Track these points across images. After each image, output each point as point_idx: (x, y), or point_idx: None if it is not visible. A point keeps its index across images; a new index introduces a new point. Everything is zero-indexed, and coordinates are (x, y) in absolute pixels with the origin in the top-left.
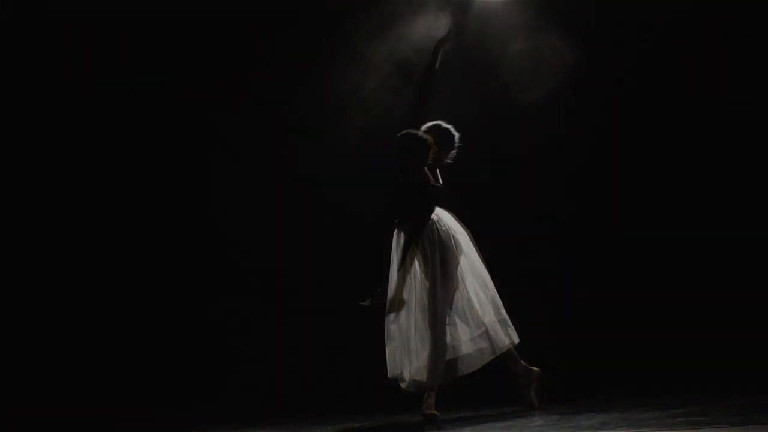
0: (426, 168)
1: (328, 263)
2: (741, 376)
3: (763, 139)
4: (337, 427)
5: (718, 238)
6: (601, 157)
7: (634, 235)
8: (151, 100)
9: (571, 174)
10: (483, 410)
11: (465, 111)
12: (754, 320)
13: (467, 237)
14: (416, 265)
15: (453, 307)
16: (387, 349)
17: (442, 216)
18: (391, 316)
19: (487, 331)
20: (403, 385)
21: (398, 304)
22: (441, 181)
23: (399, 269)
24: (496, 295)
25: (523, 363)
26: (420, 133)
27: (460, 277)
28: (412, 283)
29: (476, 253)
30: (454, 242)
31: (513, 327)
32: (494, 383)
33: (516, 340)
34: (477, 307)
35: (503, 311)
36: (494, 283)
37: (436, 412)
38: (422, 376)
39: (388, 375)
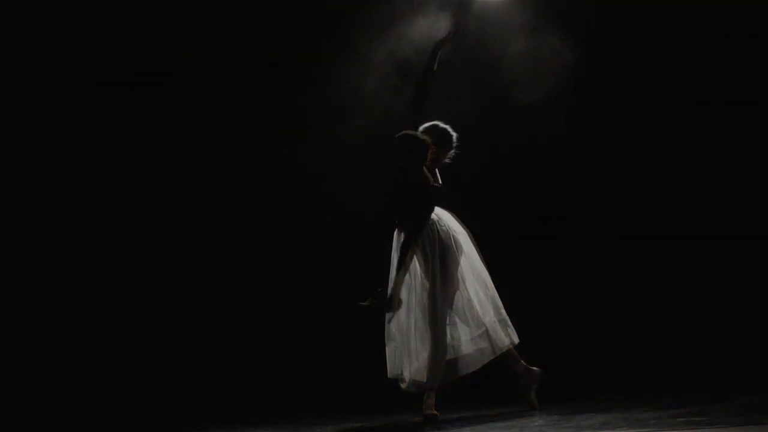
0: (425, 168)
1: (328, 263)
2: (741, 376)
3: (763, 139)
4: (337, 427)
5: (719, 238)
6: (601, 157)
7: (635, 235)
8: (151, 100)
9: (571, 174)
10: (483, 410)
11: (465, 111)
12: (753, 320)
13: (467, 237)
14: (416, 265)
15: (453, 307)
16: (387, 349)
17: (442, 216)
18: (388, 315)
19: (487, 331)
20: (403, 386)
21: (396, 303)
22: (440, 181)
23: (398, 269)
24: (496, 295)
25: (524, 363)
26: (418, 133)
27: (460, 277)
28: (412, 283)
29: (476, 253)
30: (455, 242)
31: (513, 327)
32: (494, 383)
33: (516, 340)
34: (477, 307)
35: (503, 311)
36: (494, 283)
37: (436, 412)
38: (422, 377)
39: (388, 375)
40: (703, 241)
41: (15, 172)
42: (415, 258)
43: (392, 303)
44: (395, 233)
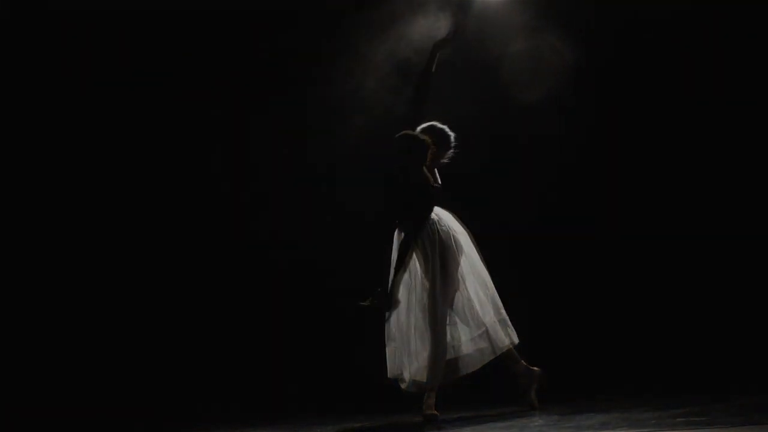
0: (425, 168)
1: (328, 263)
2: (741, 376)
3: (763, 139)
4: (337, 427)
5: (719, 238)
6: (601, 157)
7: (635, 236)
8: (151, 100)
9: (571, 174)
10: (483, 410)
11: (465, 111)
12: (753, 320)
13: (467, 237)
14: (416, 265)
15: (453, 307)
16: (387, 349)
17: (443, 216)
18: (387, 315)
19: (487, 331)
20: (403, 386)
21: (394, 302)
22: (440, 182)
23: (396, 268)
24: (496, 295)
25: (524, 363)
26: (418, 133)
27: (460, 277)
28: (412, 283)
29: (476, 253)
30: (455, 242)
31: (513, 327)
32: (494, 383)
33: (516, 340)
34: (477, 307)
35: (503, 311)
36: (494, 283)
37: (436, 412)
38: (422, 377)
39: (388, 375)
40: (703, 241)
41: (15, 173)
42: (415, 258)
43: (390, 302)
44: (396, 233)
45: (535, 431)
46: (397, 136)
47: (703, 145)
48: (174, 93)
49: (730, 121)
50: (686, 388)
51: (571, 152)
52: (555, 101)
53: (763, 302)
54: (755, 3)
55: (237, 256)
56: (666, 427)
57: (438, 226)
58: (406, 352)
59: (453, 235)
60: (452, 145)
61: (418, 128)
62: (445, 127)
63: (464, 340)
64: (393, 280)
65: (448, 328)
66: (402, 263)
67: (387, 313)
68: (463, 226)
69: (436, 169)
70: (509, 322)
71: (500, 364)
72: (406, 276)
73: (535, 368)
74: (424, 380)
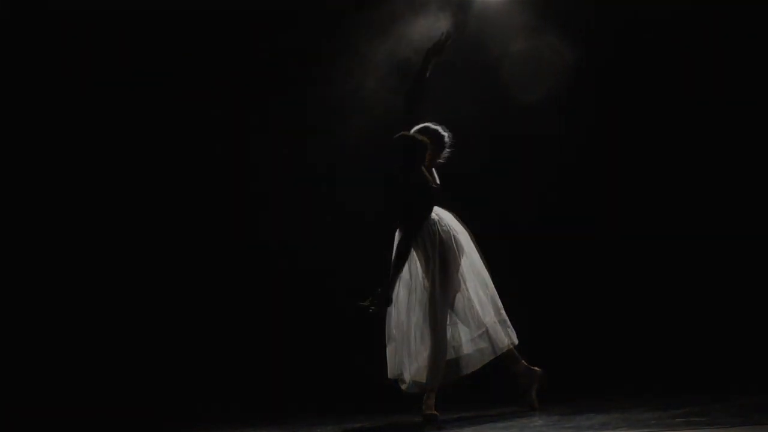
0: (423, 168)
1: (328, 263)
2: (741, 376)
3: (763, 139)
4: (337, 427)
5: (719, 238)
6: (601, 157)
7: (635, 236)
8: (151, 100)
9: (571, 174)
10: (483, 410)
11: (465, 111)
12: (754, 320)
13: (468, 237)
14: (417, 266)
15: (453, 307)
16: (387, 349)
17: (443, 216)
18: (382, 314)
19: (487, 332)
20: (403, 387)
21: (389, 301)
22: (439, 182)
23: (394, 267)
24: (496, 295)
25: (524, 363)
26: (415, 134)
27: (461, 277)
28: (412, 284)
29: (477, 253)
30: (455, 242)
31: (512, 327)
32: (494, 383)
33: (515, 340)
34: (477, 307)
35: (503, 311)
36: (494, 283)
37: (436, 412)
38: (422, 377)
39: (389, 375)
40: (703, 241)
41: (15, 172)
42: (416, 258)
43: (384, 301)
44: (396, 234)
45: (535, 431)
46: (395, 137)
47: (703, 145)
48: (174, 93)
49: (730, 121)
50: (686, 388)
51: (571, 152)
52: (555, 101)
53: (763, 302)
54: (755, 3)
55: (237, 257)
56: (666, 427)
57: (439, 227)
58: (407, 353)
59: (454, 235)
60: (447, 144)
61: (413, 129)
62: (440, 128)
63: (464, 340)
64: (389, 280)
65: (448, 328)
66: (399, 263)
67: (376, 310)
68: (463, 226)
69: (434, 169)
70: (509, 323)
71: (500, 365)
72: (406, 276)
73: (537, 368)
74: (424, 381)
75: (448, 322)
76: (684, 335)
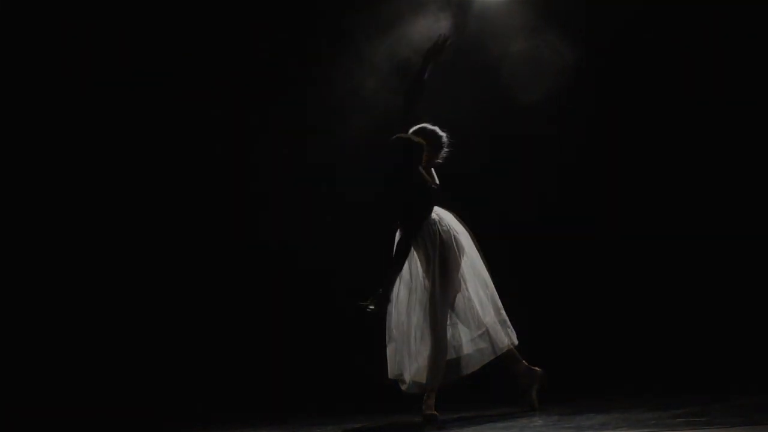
0: (422, 169)
1: (328, 263)
2: (741, 376)
3: (763, 139)
4: (337, 427)
5: (719, 238)
6: (601, 157)
7: (635, 236)
8: (151, 100)
9: (571, 174)
10: (483, 410)
11: (465, 111)
12: (754, 320)
13: (468, 237)
14: (417, 266)
15: (454, 307)
16: (387, 349)
17: (444, 216)
18: (379, 312)
19: (487, 332)
20: (403, 387)
21: (388, 300)
22: (438, 182)
23: (393, 267)
24: (496, 295)
25: (525, 363)
26: (412, 135)
27: (461, 277)
28: (413, 284)
29: (477, 253)
30: (456, 242)
31: (512, 327)
32: (494, 383)
33: (515, 341)
34: (477, 307)
35: (503, 312)
36: (494, 283)
37: (436, 412)
38: (422, 377)
39: (389, 376)
40: (703, 241)
41: (15, 172)
42: (416, 258)
43: (382, 301)
44: (396, 234)
45: (535, 431)
46: (392, 139)
47: (703, 145)
48: (174, 93)
49: (730, 121)
50: (686, 388)
51: (571, 152)
52: (555, 101)
53: (763, 302)
54: (755, 3)
55: (237, 257)
56: (666, 427)
57: (439, 227)
58: (407, 353)
59: (454, 235)
60: (445, 144)
61: (410, 131)
62: (436, 128)
63: (464, 340)
64: (388, 279)
65: (448, 328)
66: (399, 263)
67: (379, 310)
68: (463, 226)
69: (433, 170)
70: (509, 323)
71: (501, 365)
72: (407, 276)
73: (537, 368)
74: (424, 381)
75: (448, 323)
76: (684, 335)
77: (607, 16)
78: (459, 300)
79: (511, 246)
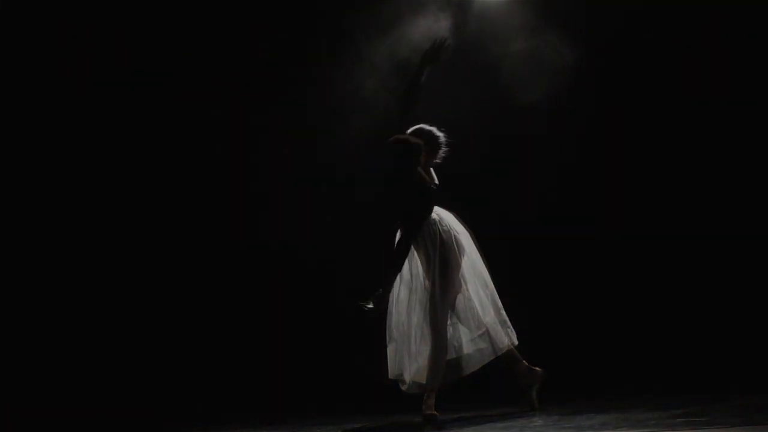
0: (420, 169)
1: (328, 263)
2: (741, 376)
3: (763, 139)
4: (337, 427)
5: (718, 238)
6: (601, 158)
7: (635, 235)
8: (151, 100)
9: (571, 174)
10: (483, 410)
11: (465, 111)
12: (754, 320)
13: (469, 237)
14: (418, 266)
15: (454, 307)
16: (388, 349)
17: (444, 216)
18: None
19: (487, 332)
20: (403, 387)
21: (385, 301)
22: (437, 182)
23: (392, 266)
24: (496, 295)
25: (525, 363)
26: (409, 136)
27: (461, 278)
28: (413, 284)
29: (477, 253)
30: (456, 243)
31: (512, 328)
32: (494, 383)
33: (515, 341)
34: (477, 307)
35: (503, 312)
36: (494, 283)
37: (436, 412)
38: (423, 377)
39: (389, 376)
40: (703, 241)
41: (15, 172)
42: (417, 258)
43: (380, 301)
44: (397, 234)
45: (535, 431)
46: (390, 140)
47: (703, 145)
48: (174, 93)
49: (730, 121)
50: (686, 388)
51: (571, 152)
52: (555, 101)
53: (763, 302)
54: (755, 3)
55: (237, 256)
56: (666, 427)
57: (439, 227)
58: (407, 353)
59: (455, 236)
60: (442, 144)
61: (408, 131)
62: (433, 129)
63: (465, 340)
64: (387, 279)
65: (448, 328)
66: (398, 262)
67: (378, 310)
68: (464, 226)
69: (431, 170)
70: (509, 323)
71: (502, 365)
72: (407, 276)
73: (538, 368)
74: (425, 381)
75: (448, 323)
76: (684, 335)
77: (607, 16)
78: (459, 300)
79: (511, 246)
